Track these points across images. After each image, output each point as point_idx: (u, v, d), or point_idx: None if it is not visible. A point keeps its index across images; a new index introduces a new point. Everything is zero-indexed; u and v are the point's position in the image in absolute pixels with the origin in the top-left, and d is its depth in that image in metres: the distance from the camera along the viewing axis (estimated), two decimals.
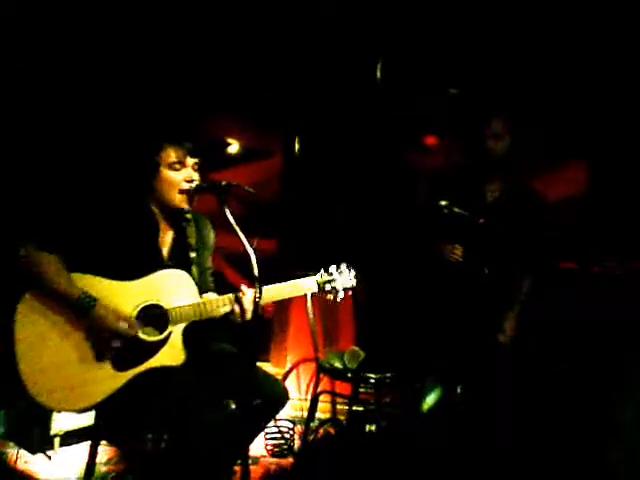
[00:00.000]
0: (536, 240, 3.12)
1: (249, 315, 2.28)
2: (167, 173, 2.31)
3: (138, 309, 2.22)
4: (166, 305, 2.25)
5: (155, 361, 2.21)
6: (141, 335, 2.20)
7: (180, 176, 2.31)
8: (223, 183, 2.24)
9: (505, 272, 3.09)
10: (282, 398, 2.42)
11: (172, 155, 2.30)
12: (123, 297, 2.21)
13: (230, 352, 2.51)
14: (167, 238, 2.41)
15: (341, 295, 2.50)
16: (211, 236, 2.56)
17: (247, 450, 2.46)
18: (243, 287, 2.29)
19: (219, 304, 2.30)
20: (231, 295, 2.32)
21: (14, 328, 2.10)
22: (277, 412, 2.44)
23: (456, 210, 2.98)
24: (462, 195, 3.09)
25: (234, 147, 4.42)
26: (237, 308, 2.28)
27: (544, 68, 3.88)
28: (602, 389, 3.19)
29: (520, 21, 3.81)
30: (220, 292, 2.38)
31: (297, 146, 4.27)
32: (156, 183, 2.32)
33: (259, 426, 2.45)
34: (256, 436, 2.47)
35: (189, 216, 2.44)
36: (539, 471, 2.96)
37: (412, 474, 2.98)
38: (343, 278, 2.50)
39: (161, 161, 2.30)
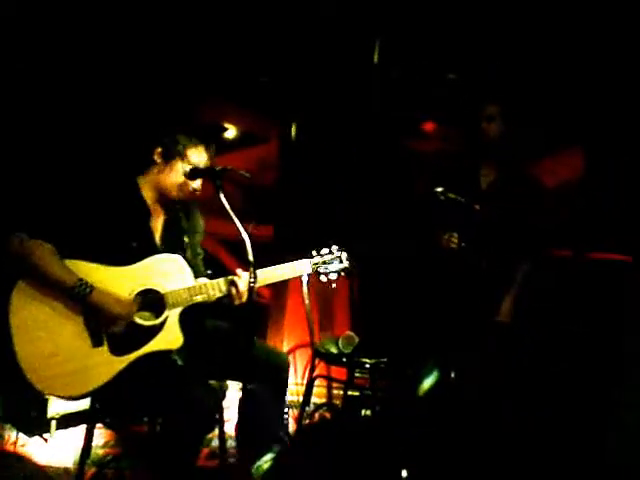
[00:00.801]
0: (532, 225, 3.12)
1: (244, 298, 2.30)
2: (183, 167, 2.31)
3: (134, 294, 2.23)
4: (162, 290, 2.26)
5: (152, 345, 2.22)
6: (138, 320, 2.21)
7: (180, 164, 2.32)
8: (218, 168, 2.24)
9: (502, 258, 3.10)
10: (283, 371, 2.48)
11: (196, 158, 2.32)
12: (118, 283, 2.21)
13: (227, 330, 2.53)
14: (158, 223, 2.42)
15: (333, 277, 2.53)
16: (200, 221, 2.58)
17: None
18: (239, 270, 2.31)
19: (214, 287, 2.32)
20: (227, 278, 2.33)
21: (9, 316, 2.11)
22: (281, 388, 2.48)
23: (452, 196, 2.98)
24: (456, 181, 3.08)
25: (231, 132, 4.41)
26: (233, 290, 2.29)
27: (543, 56, 3.86)
28: (602, 387, 3.21)
29: (521, 8, 3.79)
30: (216, 277, 2.39)
31: (294, 132, 4.25)
32: (165, 168, 2.32)
33: (272, 406, 2.49)
34: (276, 416, 2.54)
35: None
36: (539, 470, 2.98)
37: (407, 458, 3.00)
38: (336, 260, 2.53)
39: (184, 156, 2.31)
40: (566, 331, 3.51)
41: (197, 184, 2.36)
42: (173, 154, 2.31)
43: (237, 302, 2.30)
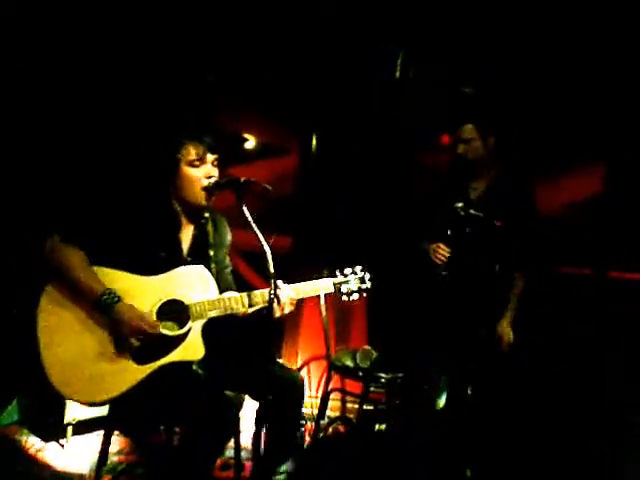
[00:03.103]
0: (524, 236, 3.08)
1: (286, 309, 2.33)
2: (187, 170, 2.33)
3: (160, 303, 2.25)
4: (187, 301, 2.27)
5: (175, 355, 2.23)
6: (162, 330, 2.22)
7: (200, 173, 2.33)
8: (242, 180, 2.25)
9: (494, 272, 3.08)
10: (298, 388, 2.45)
11: (192, 152, 2.31)
12: (145, 292, 2.23)
13: (247, 343, 2.54)
14: (187, 235, 2.43)
15: (355, 297, 2.53)
16: (228, 234, 2.59)
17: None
18: (279, 282, 2.30)
19: (238, 301, 2.32)
20: (250, 292, 2.34)
21: (37, 319, 2.13)
22: (296, 402, 2.46)
23: (472, 212, 2.98)
24: (447, 193, 3.12)
25: (251, 143, 4.43)
26: (275, 302, 2.25)
27: (559, 69, 3.85)
28: (603, 388, 3.20)
29: (535, 19, 3.78)
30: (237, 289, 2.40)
31: (314, 143, 4.27)
32: (177, 180, 2.34)
33: (288, 420, 2.47)
34: (292, 429, 2.52)
35: (206, 214, 2.46)
36: (539, 470, 2.97)
37: (420, 473, 2.98)
38: (359, 280, 2.52)
39: (182, 158, 2.32)
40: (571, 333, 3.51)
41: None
42: (175, 161, 2.31)
43: (278, 314, 2.29)
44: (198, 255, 2.41)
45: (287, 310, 2.34)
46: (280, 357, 4.17)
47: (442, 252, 3.05)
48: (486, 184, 3.14)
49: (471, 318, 3.07)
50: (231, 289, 2.48)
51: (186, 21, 3.86)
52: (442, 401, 3.11)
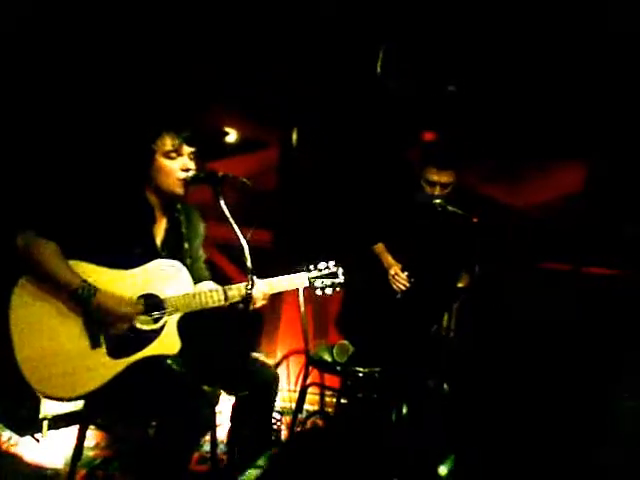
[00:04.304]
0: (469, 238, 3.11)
1: (259, 303, 2.35)
2: (163, 161, 2.31)
3: (135, 297, 2.23)
4: (161, 295, 2.26)
5: (150, 350, 2.22)
6: (137, 324, 2.21)
7: (176, 164, 2.31)
8: (220, 174, 2.24)
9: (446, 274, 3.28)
10: (272, 384, 2.48)
11: (168, 143, 2.29)
12: (120, 286, 2.22)
13: (223, 338, 2.54)
14: (161, 228, 2.41)
15: (329, 292, 2.57)
16: (201, 226, 2.58)
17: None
18: (254, 278, 2.27)
19: (214, 296, 2.32)
20: (225, 287, 2.35)
21: (9, 313, 2.10)
22: (271, 398, 2.49)
23: (450, 209, 3.02)
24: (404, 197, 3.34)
25: (232, 136, 4.41)
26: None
27: (542, 67, 3.87)
28: (599, 389, 3.24)
29: (517, 18, 3.80)
30: (214, 282, 2.39)
31: (295, 138, 4.26)
32: (152, 171, 2.32)
33: (262, 415, 2.50)
34: (267, 424, 2.58)
35: (179, 206, 2.44)
36: (537, 470, 3.00)
37: (397, 467, 3.00)
38: (333, 275, 2.56)
39: (157, 149, 2.29)
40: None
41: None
42: (150, 152, 2.29)
43: (250, 308, 2.27)
44: (172, 248, 2.39)
45: (259, 304, 2.37)
46: (259, 351, 4.17)
47: (401, 281, 3.18)
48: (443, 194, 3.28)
49: (423, 324, 3.24)
50: (206, 279, 2.47)
51: (170, 17, 3.82)
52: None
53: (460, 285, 3.34)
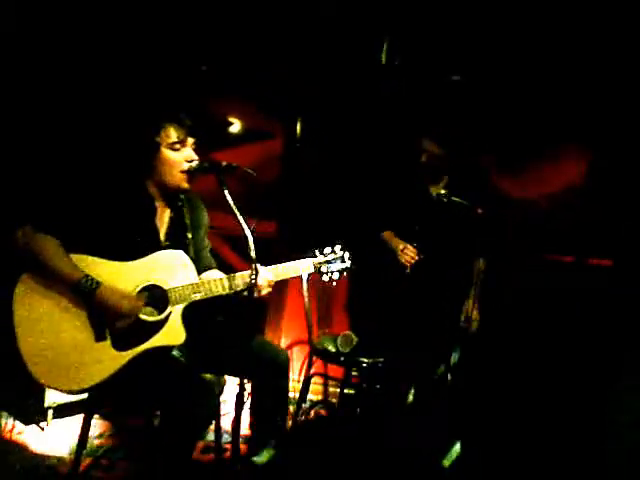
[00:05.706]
0: (481, 222, 3.15)
1: (264, 291, 2.33)
2: (168, 153, 2.30)
3: (138, 289, 2.23)
4: (165, 286, 2.26)
5: (155, 341, 2.22)
6: (141, 316, 2.21)
7: (180, 156, 2.31)
8: (224, 164, 2.23)
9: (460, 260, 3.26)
10: (281, 363, 2.48)
11: (173, 135, 2.29)
12: (123, 278, 2.21)
13: (228, 326, 2.54)
14: (164, 219, 2.41)
15: (336, 277, 2.54)
16: (204, 214, 2.58)
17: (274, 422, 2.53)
18: (258, 266, 2.27)
19: (218, 285, 2.31)
20: (230, 275, 2.34)
21: (13, 308, 2.10)
22: (285, 378, 2.49)
23: (455, 199, 3.01)
24: (410, 188, 3.33)
25: (236, 126, 4.40)
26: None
27: (543, 57, 3.85)
28: (600, 388, 3.23)
29: (519, 8, 3.78)
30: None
31: (299, 128, 4.25)
32: (157, 163, 2.31)
33: (276, 393, 2.50)
34: (280, 406, 2.55)
35: (182, 196, 2.44)
36: (537, 470, 3.00)
37: (400, 458, 3.01)
38: (339, 260, 2.53)
39: (161, 141, 2.29)
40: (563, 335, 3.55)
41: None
42: (155, 145, 2.29)
43: (255, 295, 2.27)
44: (176, 238, 2.39)
45: (264, 292, 2.35)
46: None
47: (410, 253, 3.14)
48: (447, 182, 3.33)
49: (434, 306, 3.21)
50: (211, 267, 2.47)
51: (174, 9, 3.80)
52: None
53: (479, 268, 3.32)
